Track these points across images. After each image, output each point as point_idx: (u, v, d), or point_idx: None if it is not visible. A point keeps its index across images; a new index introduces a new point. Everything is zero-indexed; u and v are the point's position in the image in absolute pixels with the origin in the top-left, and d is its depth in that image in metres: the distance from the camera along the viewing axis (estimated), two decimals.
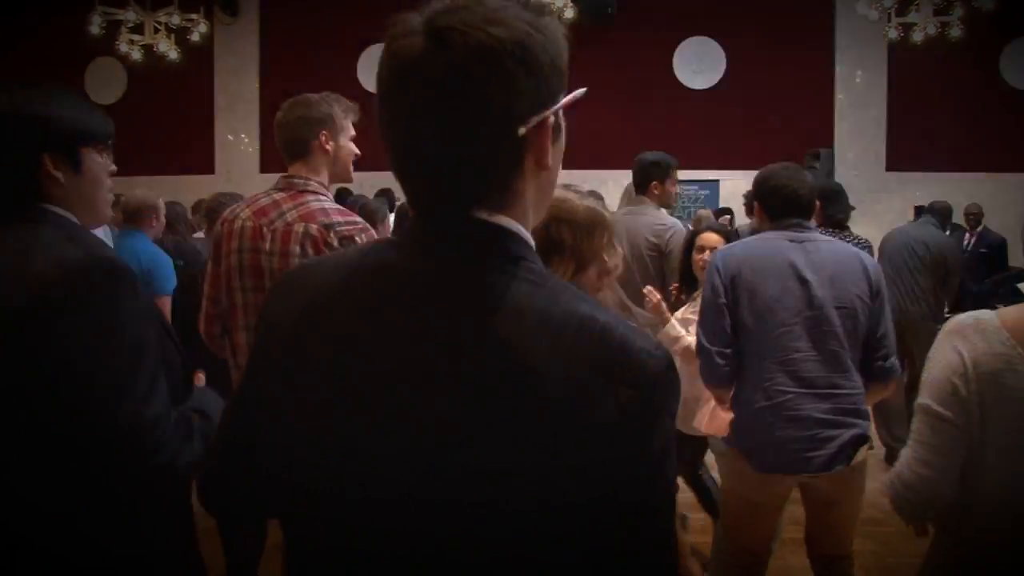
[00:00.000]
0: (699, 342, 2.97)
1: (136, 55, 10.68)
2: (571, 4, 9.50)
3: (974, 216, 10.06)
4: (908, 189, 11.23)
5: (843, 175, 10.99)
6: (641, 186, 4.41)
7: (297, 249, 2.52)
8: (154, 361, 1.50)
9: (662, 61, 11.89)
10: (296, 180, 2.66)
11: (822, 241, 2.96)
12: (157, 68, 11.03)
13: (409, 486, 0.92)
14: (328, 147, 2.69)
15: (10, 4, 12.22)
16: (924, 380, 1.73)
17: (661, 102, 11.78)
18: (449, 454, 0.91)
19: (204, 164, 12.24)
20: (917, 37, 9.32)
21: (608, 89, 11.46)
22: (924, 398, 1.71)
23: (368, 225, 2.68)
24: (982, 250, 9.64)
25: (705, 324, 2.96)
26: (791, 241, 2.91)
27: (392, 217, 6.82)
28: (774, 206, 3.02)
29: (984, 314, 1.66)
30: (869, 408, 2.94)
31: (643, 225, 4.28)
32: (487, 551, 0.92)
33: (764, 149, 11.54)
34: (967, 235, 10.02)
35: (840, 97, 11.93)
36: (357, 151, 2.77)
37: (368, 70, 12.11)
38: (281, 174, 2.73)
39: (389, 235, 5.39)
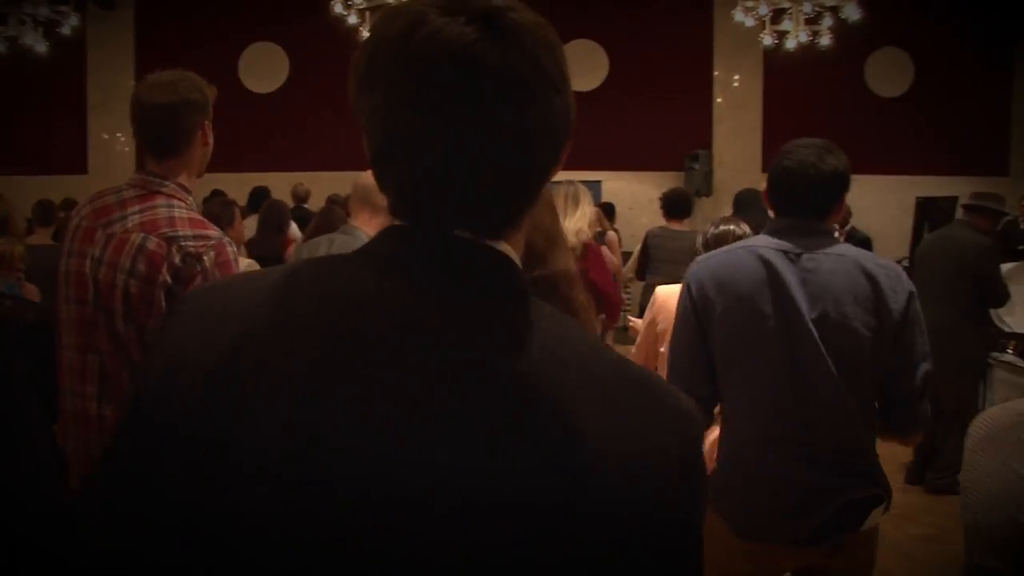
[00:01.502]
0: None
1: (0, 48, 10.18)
2: None
3: (842, 216, 10.55)
4: None
5: (721, 177, 11.36)
6: None
7: (128, 263, 2.13)
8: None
9: None
10: (152, 179, 2.25)
11: (828, 255, 2.25)
12: (24, 62, 10.54)
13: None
14: (208, 139, 2.32)
15: None
16: (969, 524, 1.17)
17: None
18: (476, 534, 0.72)
19: (77, 164, 11.75)
20: (790, 44, 9.68)
21: None
22: (977, 555, 1.13)
23: (224, 240, 2.23)
24: None
25: (673, 356, 2.36)
26: (784, 253, 2.23)
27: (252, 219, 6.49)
28: (777, 198, 2.34)
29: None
30: (880, 467, 2.32)
31: None
32: None
33: (645, 150, 11.84)
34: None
35: (718, 100, 12.30)
36: None
37: (251, 69, 11.87)
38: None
39: (239, 236, 4.95)
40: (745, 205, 5.01)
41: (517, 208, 0.82)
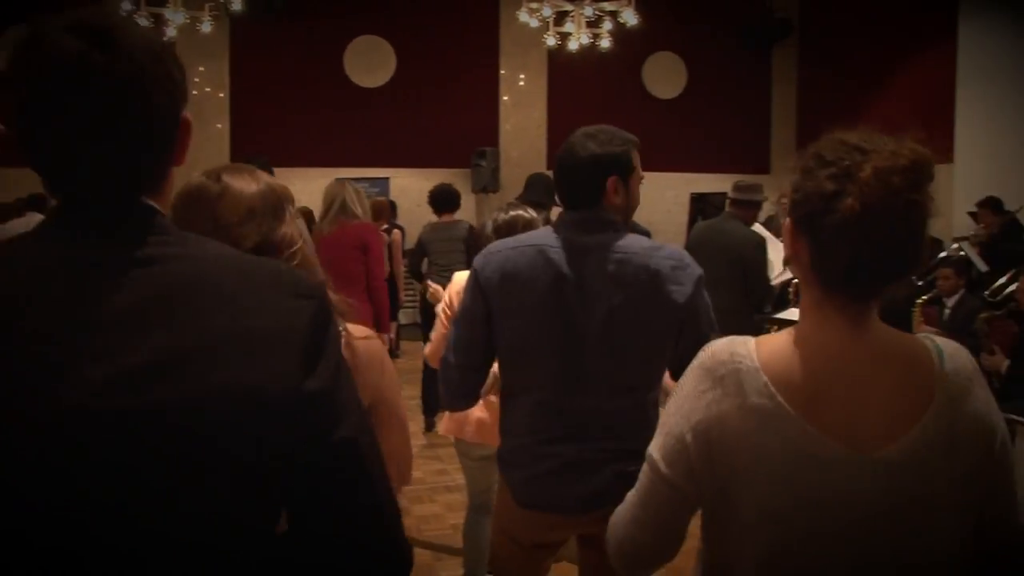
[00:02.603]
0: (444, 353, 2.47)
1: None
2: None
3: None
4: None
5: (508, 173, 11.58)
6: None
7: None
8: None
9: (333, 58, 11.83)
10: None
11: (614, 254, 2.29)
12: None
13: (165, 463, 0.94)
14: None
15: None
16: (662, 419, 1.39)
17: (331, 100, 11.71)
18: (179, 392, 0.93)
19: None
20: (572, 46, 10.02)
21: (276, 85, 11.22)
22: (652, 447, 1.38)
23: None
24: None
25: (452, 331, 2.45)
26: (567, 252, 2.30)
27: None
28: (558, 188, 2.43)
29: (742, 350, 1.30)
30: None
31: None
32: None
33: (433, 147, 11.89)
34: None
35: (505, 99, 12.54)
36: None
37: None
38: None
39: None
40: (531, 186, 5.35)
41: (146, 171, 1.02)
